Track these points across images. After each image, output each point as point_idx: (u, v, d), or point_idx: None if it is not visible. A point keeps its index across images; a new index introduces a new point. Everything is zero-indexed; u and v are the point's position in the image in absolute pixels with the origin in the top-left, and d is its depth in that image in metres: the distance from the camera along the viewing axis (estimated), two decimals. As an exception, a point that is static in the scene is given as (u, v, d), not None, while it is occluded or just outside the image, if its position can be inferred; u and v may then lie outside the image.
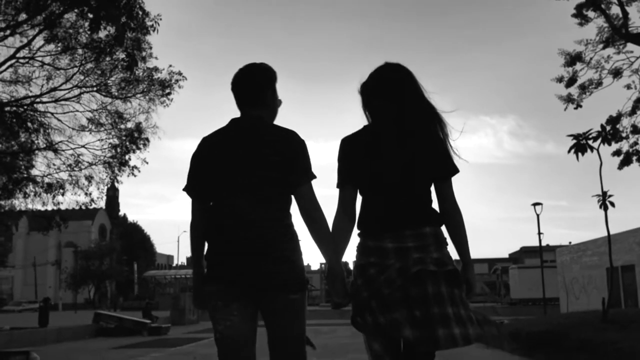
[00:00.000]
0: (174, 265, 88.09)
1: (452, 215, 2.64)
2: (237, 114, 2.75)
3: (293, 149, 2.60)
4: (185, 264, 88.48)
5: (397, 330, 2.37)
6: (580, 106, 13.80)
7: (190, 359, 9.92)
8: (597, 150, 8.33)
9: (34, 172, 18.38)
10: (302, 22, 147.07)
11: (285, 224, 2.60)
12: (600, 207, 8.63)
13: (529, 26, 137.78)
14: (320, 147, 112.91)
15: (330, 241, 2.59)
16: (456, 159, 2.67)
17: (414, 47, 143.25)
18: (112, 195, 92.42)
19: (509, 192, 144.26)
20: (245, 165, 2.55)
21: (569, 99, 14.15)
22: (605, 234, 9.20)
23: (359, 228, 2.65)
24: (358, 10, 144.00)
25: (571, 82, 13.88)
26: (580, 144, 8.22)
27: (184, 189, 2.70)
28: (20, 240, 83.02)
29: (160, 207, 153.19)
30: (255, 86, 2.69)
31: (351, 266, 2.81)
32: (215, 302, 2.55)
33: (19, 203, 19.01)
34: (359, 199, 2.71)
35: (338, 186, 2.68)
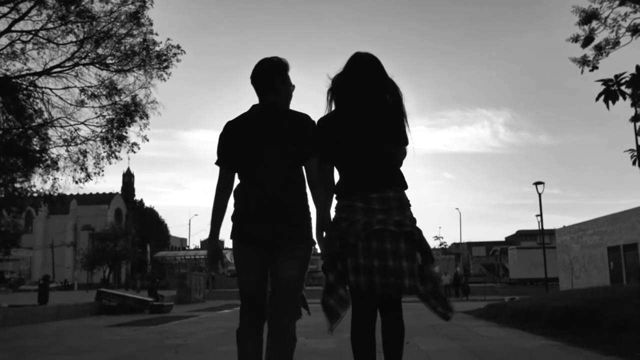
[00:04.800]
0: (187, 247, 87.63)
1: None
2: (243, 107, 3.03)
3: (306, 128, 2.87)
4: (200, 247, 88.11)
5: (358, 277, 2.69)
6: (597, 67, 11.97)
7: (162, 338, 8.97)
8: (631, 96, 6.74)
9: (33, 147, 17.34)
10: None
11: (300, 192, 2.86)
12: (634, 163, 7.16)
13: (528, 25, 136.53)
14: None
15: (324, 200, 2.88)
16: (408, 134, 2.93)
17: (415, 44, 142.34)
18: (128, 181, 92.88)
19: (504, 180, 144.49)
20: (265, 141, 2.83)
21: (584, 61, 12.34)
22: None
23: (335, 192, 2.92)
24: (359, 9, 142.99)
25: (588, 41, 12.12)
26: (611, 90, 6.59)
27: (216, 163, 2.95)
28: (40, 223, 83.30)
29: (176, 194, 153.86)
30: (266, 77, 2.93)
31: None
32: (238, 257, 2.85)
33: (23, 185, 18.08)
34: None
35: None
